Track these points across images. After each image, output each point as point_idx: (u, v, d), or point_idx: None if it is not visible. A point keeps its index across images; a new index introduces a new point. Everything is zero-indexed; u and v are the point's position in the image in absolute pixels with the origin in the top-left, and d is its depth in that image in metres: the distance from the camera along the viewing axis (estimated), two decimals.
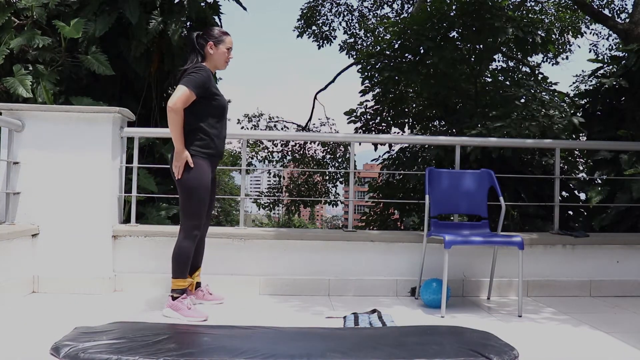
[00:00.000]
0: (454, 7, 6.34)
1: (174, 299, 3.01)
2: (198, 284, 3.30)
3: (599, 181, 4.91)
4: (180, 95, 2.91)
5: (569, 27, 11.37)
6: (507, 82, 6.51)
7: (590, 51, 13.60)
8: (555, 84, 6.52)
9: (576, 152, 5.66)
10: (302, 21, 13.23)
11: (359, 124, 7.41)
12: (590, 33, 13.01)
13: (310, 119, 13.93)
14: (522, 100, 5.60)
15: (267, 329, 2.66)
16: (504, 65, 9.07)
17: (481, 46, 6.56)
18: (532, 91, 5.66)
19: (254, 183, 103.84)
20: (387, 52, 6.87)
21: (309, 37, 13.35)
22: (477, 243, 3.31)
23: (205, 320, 2.94)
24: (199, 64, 3.06)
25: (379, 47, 7.29)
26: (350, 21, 13.67)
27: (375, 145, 6.45)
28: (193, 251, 3.07)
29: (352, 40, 13.40)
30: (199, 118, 3.01)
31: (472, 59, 6.66)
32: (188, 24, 5.03)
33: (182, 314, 2.95)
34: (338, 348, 2.32)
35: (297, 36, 13.28)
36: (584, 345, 2.65)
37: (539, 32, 6.24)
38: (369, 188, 7.82)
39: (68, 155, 3.54)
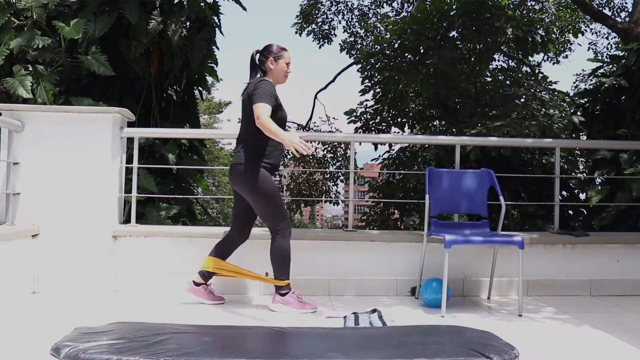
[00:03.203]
0: (454, 7, 6.34)
1: (282, 295, 3.14)
2: (212, 275, 3.29)
3: (599, 180, 4.91)
4: (261, 110, 2.95)
5: (569, 27, 11.39)
6: (507, 82, 6.50)
7: (589, 50, 13.62)
8: (555, 83, 6.50)
9: (576, 152, 5.66)
10: (301, 18, 13.21)
11: (359, 124, 7.42)
12: (590, 32, 13.02)
13: (310, 118, 13.93)
14: (522, 100, 5.59)
15: (268, 329, 2.67)
16: (504, 65, 9.07)
17: (481, 46, 6.56)
18: (532, 90, 5.64)
19: None
20: (387, 52, 6.86)
21: (307, 35, 13.35)
22: (477, 243, 3.31)
23: (315, 310, 3.14)
24: (260, 78, 3.14)
25: (379, 47, 7.29)
26: (350, 20, 13.67)
27: (375, 145, 6.45)
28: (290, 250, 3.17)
29: (352, 39, 13.39)
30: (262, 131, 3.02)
31: (472, 59, 6.65)
32: (188, 24, 5.02)
33: (294, 307, 3.13)
34: (338, 348, 2.32)
35: (295, 33, 13.26)
36: (584, 344, 2.65)
37: (539, 32, 6.23)
38: (369, 188, 7.82)
39: (68, 156, 3.54)
